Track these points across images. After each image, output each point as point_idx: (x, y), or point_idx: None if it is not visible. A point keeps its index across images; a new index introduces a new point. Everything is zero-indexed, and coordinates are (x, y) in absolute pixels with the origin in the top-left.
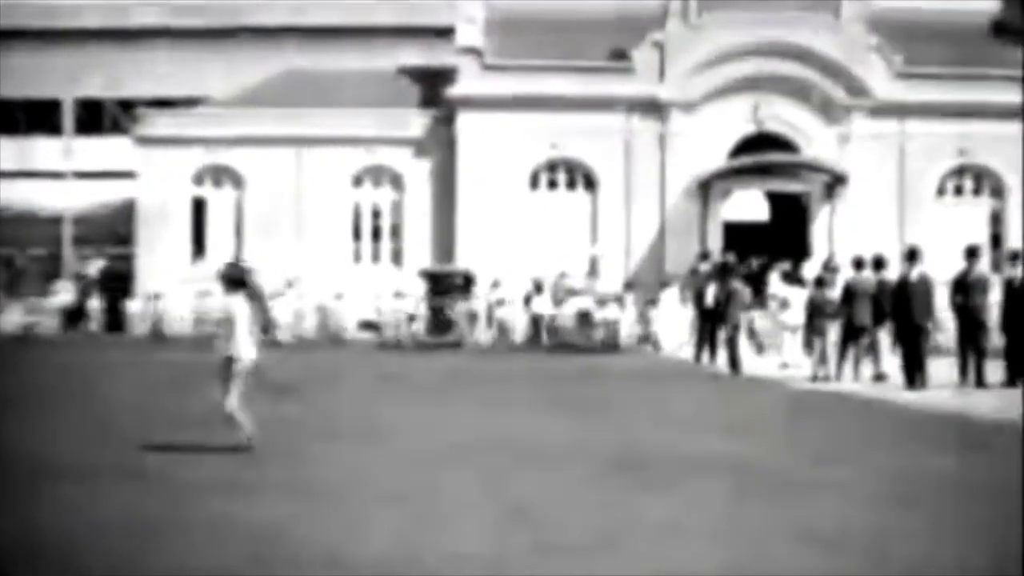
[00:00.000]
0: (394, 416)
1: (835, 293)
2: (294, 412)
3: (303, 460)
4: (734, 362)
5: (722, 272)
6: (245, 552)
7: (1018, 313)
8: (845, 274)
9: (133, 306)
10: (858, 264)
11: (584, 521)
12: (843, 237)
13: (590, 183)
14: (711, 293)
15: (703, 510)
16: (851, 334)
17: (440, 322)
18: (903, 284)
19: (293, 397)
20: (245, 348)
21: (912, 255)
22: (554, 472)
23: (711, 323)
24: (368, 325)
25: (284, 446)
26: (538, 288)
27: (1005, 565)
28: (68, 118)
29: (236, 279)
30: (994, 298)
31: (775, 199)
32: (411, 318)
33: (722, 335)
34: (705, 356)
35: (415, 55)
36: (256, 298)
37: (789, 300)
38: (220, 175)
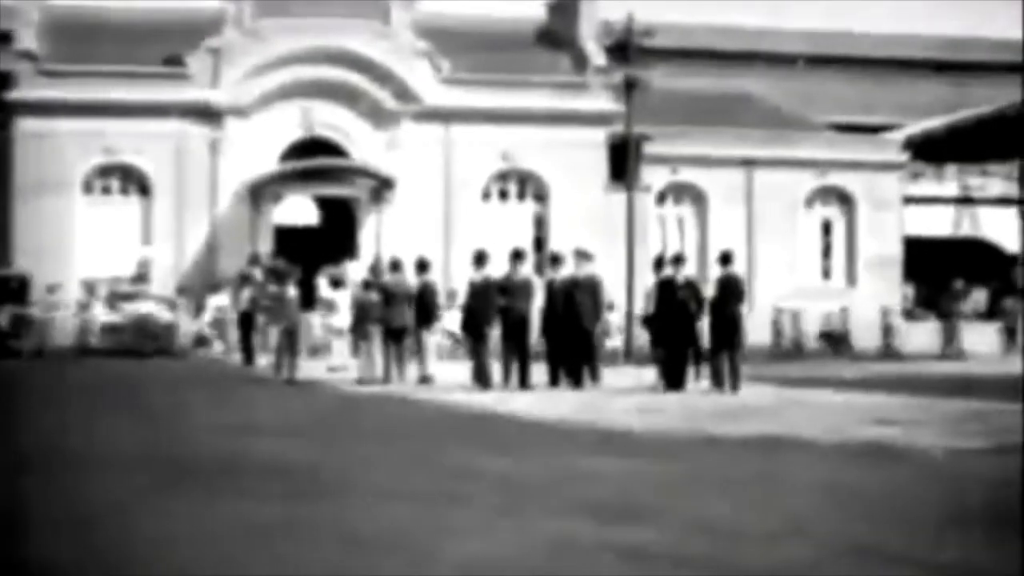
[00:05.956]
0: None
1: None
2: None
3: None
4: (279, 366)
5: (272, 276)
6: None
7: (557, 315)
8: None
9: None
10: (395, 266)
11: (143, 528)
12: (391, 240)
13: (144, 188)
14: (246, 297)
15: (261, 513)
16: (390, 336)
17: None
18: (505, 284)
19: None
20: None
21: (517, 255)
22: (113, 480)
23: (249, 326)
24: None
25: None
26: (91, 292)
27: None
28: None
29: None
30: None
31: (325, 203)
32: None
33: (262, 339)
34: (260, 360)
35: None
36: None
37: (336, 303)
38: None
